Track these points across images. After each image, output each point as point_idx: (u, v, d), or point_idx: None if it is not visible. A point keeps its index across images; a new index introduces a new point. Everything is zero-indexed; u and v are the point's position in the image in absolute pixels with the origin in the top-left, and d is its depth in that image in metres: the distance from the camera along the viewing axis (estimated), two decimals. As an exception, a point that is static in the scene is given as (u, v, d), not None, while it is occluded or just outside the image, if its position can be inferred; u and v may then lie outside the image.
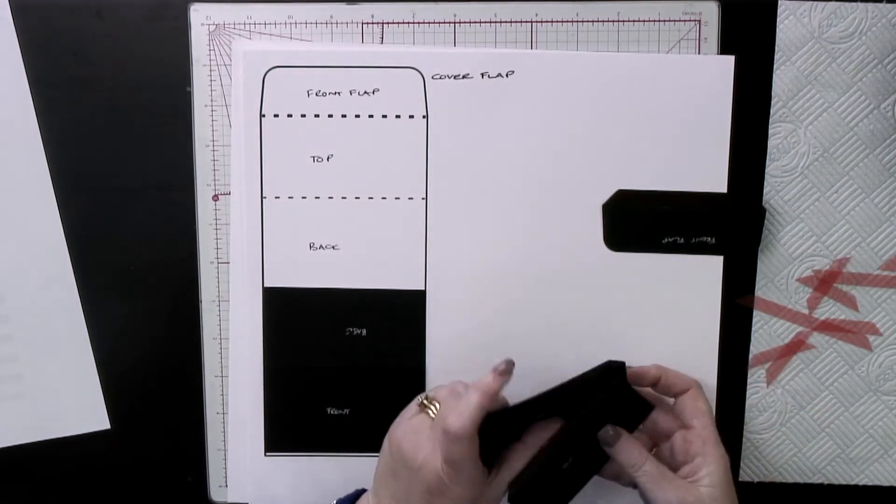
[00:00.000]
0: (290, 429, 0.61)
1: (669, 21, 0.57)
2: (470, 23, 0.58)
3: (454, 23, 0.58)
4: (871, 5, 0.56)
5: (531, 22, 0.57)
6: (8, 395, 0.61)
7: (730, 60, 0.57)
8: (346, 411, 0.61)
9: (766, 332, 0.60)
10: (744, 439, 0.61)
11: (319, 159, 0.59)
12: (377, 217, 0.59)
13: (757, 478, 0.62)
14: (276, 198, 0.59)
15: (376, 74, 0.58)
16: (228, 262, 0.60)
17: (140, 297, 0.61)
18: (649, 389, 0.57)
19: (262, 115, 0.58)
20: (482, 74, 0.57)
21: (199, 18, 0.58)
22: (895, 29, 0.56)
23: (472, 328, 0.60)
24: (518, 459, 0.53)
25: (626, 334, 0.59)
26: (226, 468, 0.63)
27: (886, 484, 0.62)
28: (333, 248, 0.60)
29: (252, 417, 0.61)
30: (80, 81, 0.59)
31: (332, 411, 0.61)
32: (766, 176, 0.58)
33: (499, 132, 0.58)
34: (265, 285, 0.60)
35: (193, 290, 0.61)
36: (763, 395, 0.61)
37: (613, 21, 0.57)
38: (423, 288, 0.60)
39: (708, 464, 0.51)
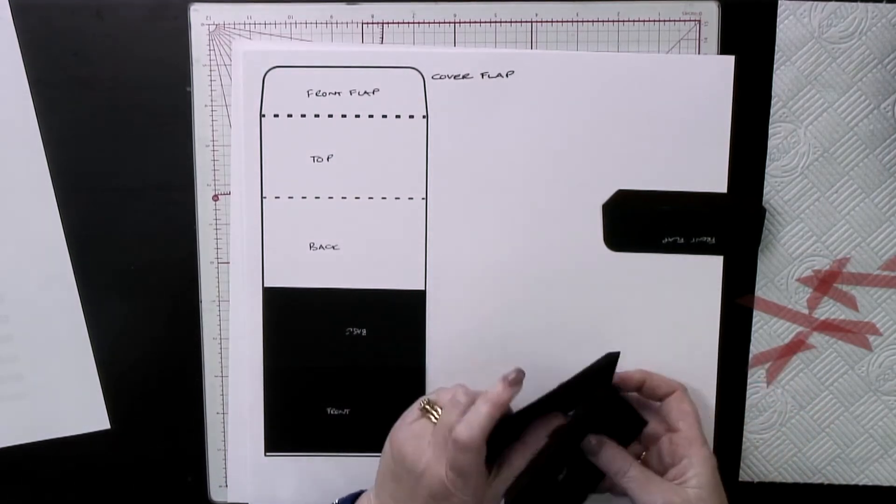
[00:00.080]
0: (290, 429, 0.61)
1: (669, 21, 0.57)
2: (470, 23, 0.58)
3: (454, 23, 0.58)
4: (871, 5, 0.56)
5: (531, 22, 0.57)
6: (8, 395, 0.61)
7: (730, 60, 0.57)
8: (346, 411, 0.61)
9: (766, 332, 0.60)
10: (744, 439, 0.61)
11: (319, 159, 0.59)
12: (377, 217, 0.59)
13: (757, 478, 0.62)
14: (276, 198, 0.59)
15: (376, 74, 0.58)
16: (228, 262, 0.60)
17: (140, 297, 0.61)
18: (635, 393, 0.57)
19: (262, 115, 0.58)
20: (482, 74, 0.57)
21: (199, 18, 0.58)
22: (895, 29, 0.56)
23: (472, 328, 0.60)
24: (518, 458, 0.53)
25: (627, 334, 0.59)
26: (226, 468, 0.63)
27: (886, 484, 0.62)
28: (333, 248, 0.60)
29: (252, 417, 0.61)
30: (80, 81, 0.59)
31: (332, 411, 0.61)
32: (766, 176, 0.58)
33: (499, 132, 0.58)
34: (265, 285, 0.60)
35: (193, 290, 0.61)
36: (763, 395, 0.61)
37: (613, 21, 0.57)
38: (423, 288, 0.60)
39: (694, 465, 0.52)
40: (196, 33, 0.58)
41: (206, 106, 0.59)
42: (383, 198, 0.59)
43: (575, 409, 0.55)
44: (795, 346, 0.60)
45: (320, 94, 0.58)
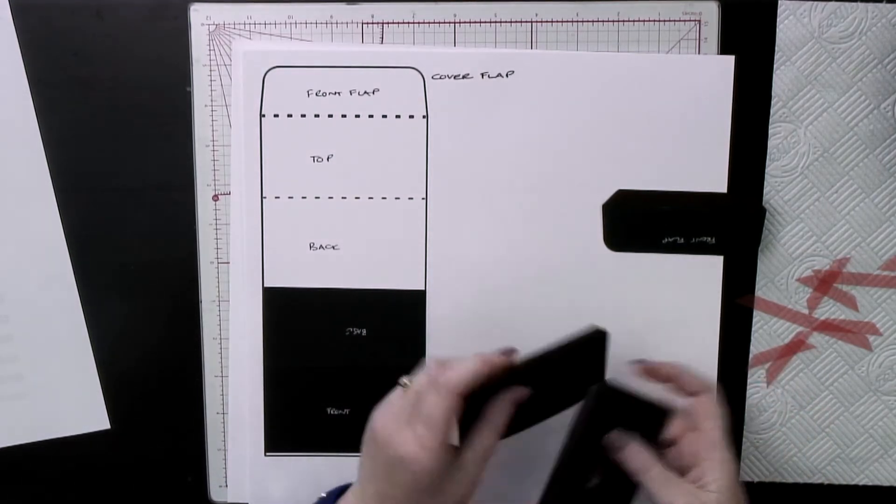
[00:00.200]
0: (290, 429, 0.61)
1: (669, 21, 0.57)
2: (470, 23, 0.58)
3: (454, 23, 0.58)
4: (871, 5, 0.56)
5: (531, 22, 0.57)
6: (8, 395, 0.61)
7: (730, 60, 0.57)
8: (346, 411, 0.61)
9: (766, 332, 0.60)
10: (744, 439, 0.61)
11: (319, 159, 0.59)
12: (377, 217, 0.59)
13: (757, 478, 0.62)
14: (276, 198, 0.59)
15: (376, 74, 0.58)
16: (228, 262, 0.60)
17: (140, 297, 0.61)
18: (660, 387, 0.56)
19: (262, 115, 0.58)
20: (482, 74, 0.57)
21: (199, 18, 0.58)
22: (895, 29, 0.56)
23: (472, 328, 0.60)
24: (481, 439, 0.51)
25: (627, 334, 0.59)
26: (226, 468, 0.63)
27: (886, 484, 0.62)
28: (333, 248, 0.60)
29: (252, 417, 0.61)
30: (80, 81, 0.59)
31: (332, 411, 0.61)
32: (766, 176, 0.58)
33: (499, 132, 0.58)
34: (265, 285, 0.60)
35: (193, 290, 0.61)
36: (763, 395, 0.61)
37: (613, 21, 0.57)
38: (423, 288, 0.60)
39: (714, 469, 0.51)
40: (196, 33, 0.58)
41: (206, 106, 0.59)
42: (383, 198, 0.59)
43: (583, 398, 0.54)
44: (795, 346, 0.60)
45: (320, 94, 0.58)
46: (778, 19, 0.57)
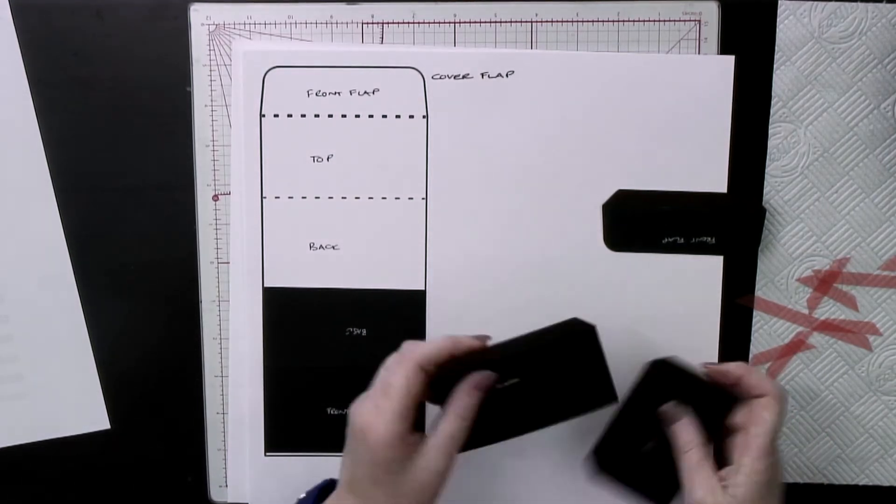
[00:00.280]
0: (290, 429, 0.61)
1: (669, 21, 0.57)
2: (470, 23, 0.58)
3: (454, 23, 0.58)
4: (871, 5, 0.56)
5: (531, 22, 0.57)
6: (8, 395, 0.61)
7: (730, 60, 0.57)
8: (346, 411, 0.61)
9: (766, 332, 0.60)
10: (744, 439, 0.61)
11: (319, 159, 0.59)
12: (377, 217, 0.59)
13: (757, 478, 0.62)
14: (276, 198, 0.59)
15: (376, 74, 0.58)
16: (228, 262, 0.60)
17: (140, 297, 0.61)
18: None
19: (262, 115, 0.58)
20: (482, 74, 0.57)
21: (199, 18, 0.58)
22: (895, 29, 0.56)
23: (472, 328, 0.59)
24: (444, 424, 0.50)
25: (627, 334, 0.59)
26: (226, 468, 0.63)
27: (886, 484, 0.62)
28: (333, 248, 0.60)
29: (252, 417, 0.61)
30: (80, 81, 0.59)
31: (332, 411, 0.61)
32: (766, 176, 0.58)
33: (499, 132, 0.58)
34: (265, 285, 0.60)
35: (193, 290, 0.61)
36: (763, 395, 0.61)
37: (613, 21, 0.57)
38: (423, 288, 0.60)
39: (743, 475, 0.50)
40: (196, 33, 0.58)
41: (206, 106, 0.59)
42: (383, 198, 0.59)
43: (592, 405, 0.53)
44: (795, 346, 0.60)
45: (320, 94, 0.58)
46: (778, 19, 0.57)
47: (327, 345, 0.61)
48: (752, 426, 0.51)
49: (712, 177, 0.58)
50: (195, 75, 0.59)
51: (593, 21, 0.57)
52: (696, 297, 0.59)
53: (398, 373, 0.49)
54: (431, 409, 0.52)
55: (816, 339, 0.60)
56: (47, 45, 0.58)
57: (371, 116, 0.58)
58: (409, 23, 0.58)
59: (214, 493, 0.63)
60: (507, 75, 0.57)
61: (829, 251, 0.59)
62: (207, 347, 0.61)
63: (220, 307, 0.61)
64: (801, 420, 0.61)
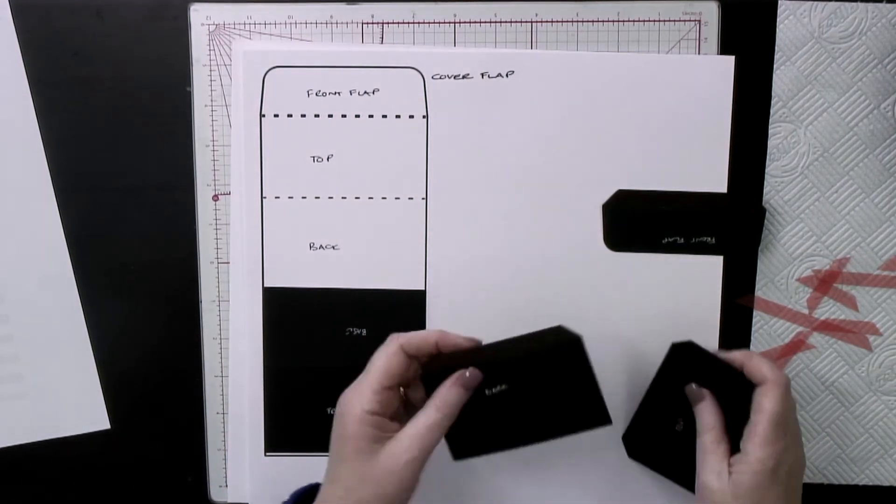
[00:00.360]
0: (290, 429, 0.61)
1: (669, 21, 0.57)
2: (470, 23, 0.58)
3: (454, 23, 0.58)
4: (871, 5, 0.56)
5: (531, 22, 0.57)
6: (8, 395, 0.61)
7: (730, 60, 0.57)
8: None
9: (766, 332, 0.60)
10: (744, 439, 0.61)
11: (319, 159, 0.59)
12: (377, 217, 0.59)
13: (757, 478, 0.62)
14: (276, 198, 0.59)
15: (376, 74, 0.58)
16: (228, 262, 0.60)
17: (140, 297, 0.61)
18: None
19: (262, 115, 0.58)
20: (482, 74, 0.57)
21: (199, 18, 0.58)
22: (895, 29, 0.56)
23: (472, 328, 0.59)
24: (423, 414, 0.50)
25: (627, 334, 0.59)
26: (226, 468, 0.63)
27: (886, 484, 0.62)
28: (333, 248, 0.60)
29: (252, 417, 0.61)
30: (80, 81, 0.59)
31: (332, 411, 0.61)
32: (766, 176, 0.58)
33: (499, 132, 0.58)
34: (265, 285, 0.60)
35: (193, 290, 0.61)
36: (763, 395, 0.61)
37: (613, 21, 0.57)
38: (423, 288, 0.60)
39: (745, 462, 0.50)
40: (196, 33, 0.58)
41: (206, 106, 0.59)
42: (383, 198, 0.59)
43: (584, 424, 0.53)
44: (795, 346, 0.60)
45: (320, 94, 0.58)
46: (778, 19, 0.57)
47: (327, 345, 0.61)
48: (754, 414, 0.51)
49: (712, 177, 0.58)
50: (195, 75, 0.59)
51: (593, 21, 0.57)
52: (696, 297, 0.59)
53: (380, 352, 0.51)
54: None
55: (816, 339, 0.60)
56: (47, 45, 0.58)
57: (371, 116, 0.58)
58: (409, 23, 0.58)
59: (214, 493, 0.63)
60: (507, 75, 0.57)
61: (829, 251, 0.59)
62: (207, 347, 0.61)
63: (220, 307, 0.61)
64: (801, 420, 0.61)
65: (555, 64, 0.57)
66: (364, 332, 0.60)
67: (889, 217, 0.59)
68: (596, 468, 0.60)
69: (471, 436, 0.52)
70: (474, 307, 0.60)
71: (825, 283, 0.60)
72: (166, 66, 0.58)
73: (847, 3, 0.56)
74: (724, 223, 0.58)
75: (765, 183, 0.59)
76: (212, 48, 0.58)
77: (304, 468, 0.62)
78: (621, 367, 0.59)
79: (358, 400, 0.50)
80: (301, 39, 0.58)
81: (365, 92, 0.58)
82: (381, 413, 0.50)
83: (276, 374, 0.61)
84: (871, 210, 0.59)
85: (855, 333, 0.60)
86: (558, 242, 0.59)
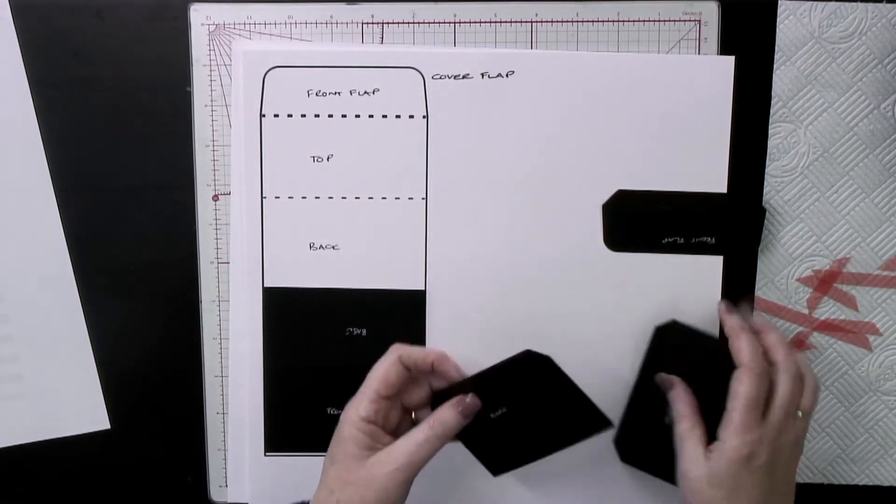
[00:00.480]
0: (290, 429, 0.61)
1: (669, 21, 0.57)
2: (470, 23, 0.58)
3: (454, 23, 0.58)
4: (871, 5, 0.56)
5: (531, 22, 0.57)
6: (8, 395, 0.61)
7: (730, 60, 0.57)
8: (346, 411, 0.61)
9: (766, 332, 0.60)
10: (744, 439, 0.61)
11: (319, 159, 0.59)
12: (377, 217, 0.59)
13: (757, 478, 0.62)
14: (276, 198, 0.59)
15: (376, 74, 0.58)
16: (228, 262, 0.60)
17: (140, 297, 0.61)
18: None
19: (262, 115, 0.58)
20: (482, 74, 0.57)
21: (199, 18, 0.58)
22: (895, 29, 0.56)
23: (472, 328, 0.60)
24: (417, 430, 0.51)
25: (627, 334, 0.59)
26: (226, 468, 0.63)
27: (886, 484, 0.62)
28: (333, 248, 0.60)
29: (252, 417, 0.61)
30: (80, 81, 0.59)
31: (332, 411, 0.61)
32: (766, 176, 0.58)
33: (499, 132, 0.58)
34: (265, 285, 0.60)
35: (193, 290, 0.61)
36: (763, 395, 0.61)
37: (613, 21, 0.57)
38: (423, 288, 0.60)
39: (719, 450, 0.49)
40: (196, 33, 0.58)
41: (206, 106, 0.59)
42: (383, 198, 0.59)
43: (582, 435, 0.56)
44: (795, 346, 0.60)
45: (320, 94, 0.58)
46: (778, 19, 0.57)
47: (327, 345, 0.61)
48: (730, 400, 0.50)
49: (712, 177, 0.58)
50: (195, 75, 0.59)
51: (593, 21, 0.57)
52: (696, 297, 0.59)
53: (380, 362, 0.54)
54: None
55: (816, 339, 0.60)
56: (47, 45, 0.58)
57: (371, 116, 0.58)
58: (409, 23, 0.58)
59: (214, 493, 0.63)
60: (507, 75, 0.57)
61: (829, 251, 0.59)
62: (207, 347, 0.61)
63: (220, 307, 0.61)
64: (801, 420, 0.61)
65: (555, 64, 0.57)
66: (364, 332, 0.60)
67: (889, 217, 0.59)
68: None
69: (498, 453, 0.56)
70: (474, 307, 0.60)
71: (825, 283, 0.60)
72: (166, 66, 0.58)
73: (847, 3, 0.56)
74: (724, 223, 0.58)
75: (765, 183, 0.59)
76: (212, 48, 0.58)
77: (303, 468, 0.62)
78: (621, 368, 0.59)
79: (354, 406, 0.52)
80: (301, 39, 0.58)
81: (365, 92, 0.58)
82: (375, 421, 0.52)
83: (276, 374, 0.61)
84: (871, 210, 0.59)
85: (855, 333, 0.60)
86: (558, 242, 0.59)
